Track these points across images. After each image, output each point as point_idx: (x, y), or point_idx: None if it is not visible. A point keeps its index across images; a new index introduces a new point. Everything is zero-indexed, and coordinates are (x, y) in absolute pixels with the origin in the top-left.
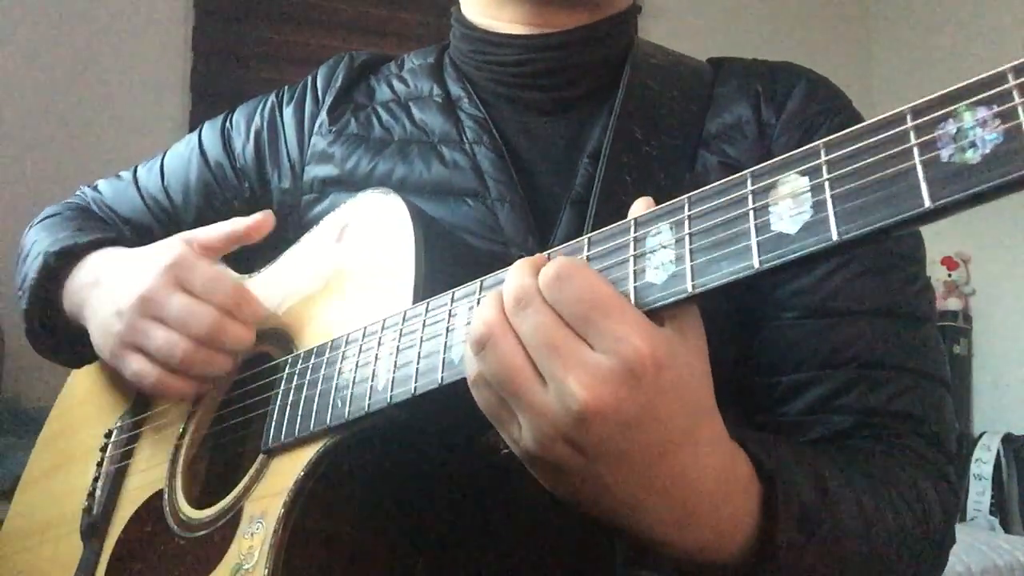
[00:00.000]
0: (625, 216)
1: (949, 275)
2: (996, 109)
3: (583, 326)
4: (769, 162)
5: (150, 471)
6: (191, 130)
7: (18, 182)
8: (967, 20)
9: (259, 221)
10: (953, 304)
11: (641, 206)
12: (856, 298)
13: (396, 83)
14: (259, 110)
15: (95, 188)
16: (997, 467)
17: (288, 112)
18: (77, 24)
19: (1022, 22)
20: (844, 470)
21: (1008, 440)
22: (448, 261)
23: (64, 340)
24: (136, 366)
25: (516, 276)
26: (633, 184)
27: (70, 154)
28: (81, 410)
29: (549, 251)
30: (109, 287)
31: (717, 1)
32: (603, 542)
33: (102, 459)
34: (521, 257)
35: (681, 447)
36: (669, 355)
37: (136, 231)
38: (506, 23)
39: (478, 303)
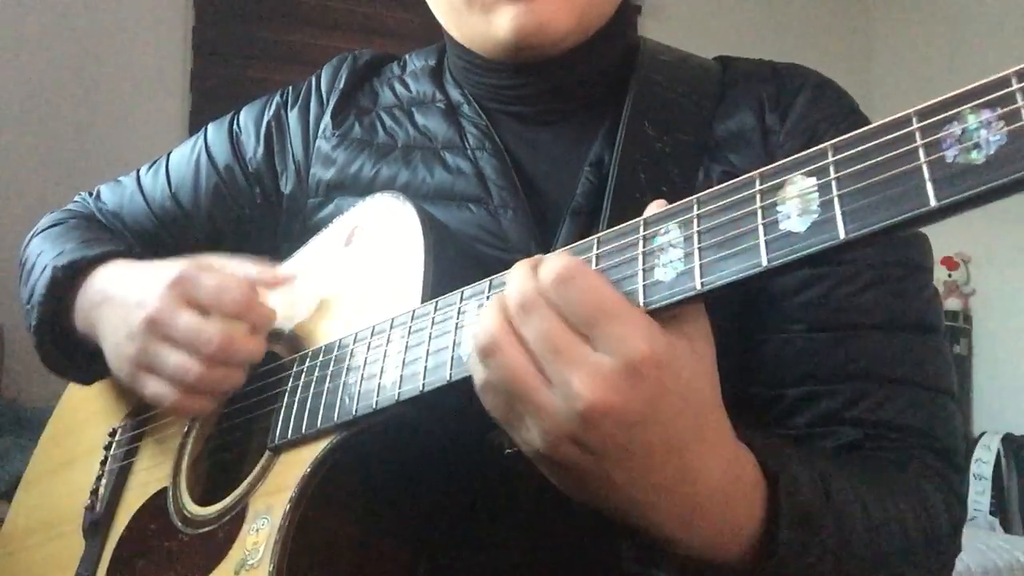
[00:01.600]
0: (640, 215)
1: (949, 275)
2: (1000, 111)
3: (587, 328)
4: (777, 163)
5: (154, 469)
6: (191, 130)
7: (18, 182)
8: (967, 20)
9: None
10: (953, 304)
11: (654, 207)
12: (865, 311)
13: (398, 87)
14: (265, 111)
15: (96, 196)
16: (997, 467)
17: (293, 114)
18: (77, 24)
19: (1022, 22)
20: (850, 476)
21: (1008, 440)
22: (457, 266)
23: (79, 358)
24: (152, 389)
25: (518, 280)
26: (647, 182)
27: (70, 154)
28: (85, 409)
29: (553, 252)
30: (118, 306)
31: (716, 1)
32: (608, 543)
33: (106, 457)
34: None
35: (687, 446)
36: (671, 356)
37: (143, 240)
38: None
39: (488, 301)
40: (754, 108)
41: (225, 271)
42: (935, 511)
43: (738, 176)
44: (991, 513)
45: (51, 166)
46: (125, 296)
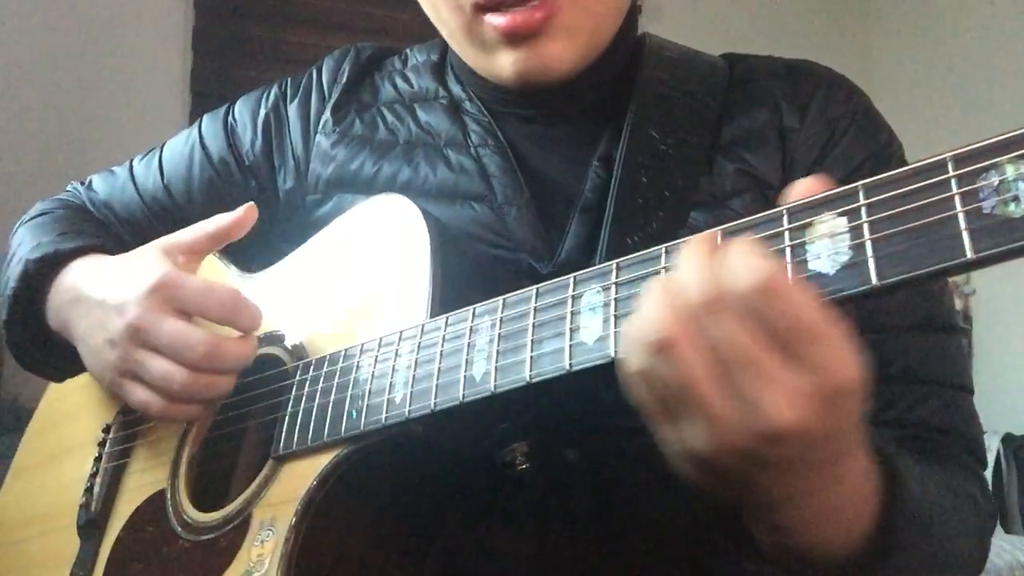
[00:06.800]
0: (639, 219)
1: None
2: None
3: (786, 345)
4: (805, 200)
5: (150, 470)
6: None
7: (17, 182)
8: (967, 22)
9: (242, 216)
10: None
11: (803, 187)
12: (899, 313)
13: (400, 82)
14: (263, 103)
15: (88, 185)
16: (997, 467)
17: (293, 108)
18: (77, 24)
19: (1022, 24)
20: (928, 474)
21: (1008, 440)
22: (462, 268)
23: (51, 355)
24: (137, 397)
25: (700, 272)
26: (649, 185)
27: (70, 154)
28: (76, 398)
29: (723, 228)
30: (94, 307)
31: (716, 2)
32: (614, 553)
33: (100, 454)
34: (530, 264)
35: (841, 457)
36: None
37: (133, 231)
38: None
39: (500, 322)
40: (769, 105)
41: (204, 281)
42: (980, 506)
43: (754, 173)
44: None
45: (50, 166)
46: (102, 297)
